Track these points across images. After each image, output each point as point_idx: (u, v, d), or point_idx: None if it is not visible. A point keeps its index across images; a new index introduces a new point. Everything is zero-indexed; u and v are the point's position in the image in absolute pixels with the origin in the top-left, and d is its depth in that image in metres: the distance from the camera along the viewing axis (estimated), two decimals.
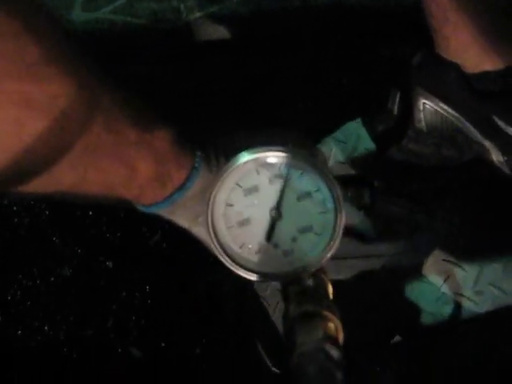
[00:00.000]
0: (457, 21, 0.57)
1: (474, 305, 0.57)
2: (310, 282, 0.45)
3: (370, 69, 0.81)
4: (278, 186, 0.44)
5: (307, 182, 0.44)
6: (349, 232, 0.46)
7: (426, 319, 0.59)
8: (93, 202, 0.42)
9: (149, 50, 0.93)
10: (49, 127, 0.34)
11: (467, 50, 0.59)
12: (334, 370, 0.38)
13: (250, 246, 0.45)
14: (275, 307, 0.67)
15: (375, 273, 0.52)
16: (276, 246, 0.45)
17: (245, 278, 0.46)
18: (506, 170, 0.59)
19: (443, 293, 0.58)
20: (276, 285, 0.68)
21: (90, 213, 0.90)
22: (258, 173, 0.44)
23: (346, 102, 0.69)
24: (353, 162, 0.64)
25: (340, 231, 0.44)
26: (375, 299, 0.60)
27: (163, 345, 0.84)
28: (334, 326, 0.41)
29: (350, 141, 0.67)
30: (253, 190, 0.45)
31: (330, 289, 0.46)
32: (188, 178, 0.44)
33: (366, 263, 0.50)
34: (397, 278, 0.60)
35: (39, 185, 0.38)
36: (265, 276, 0.46)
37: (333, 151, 0.68)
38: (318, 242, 0.45)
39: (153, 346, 0.84)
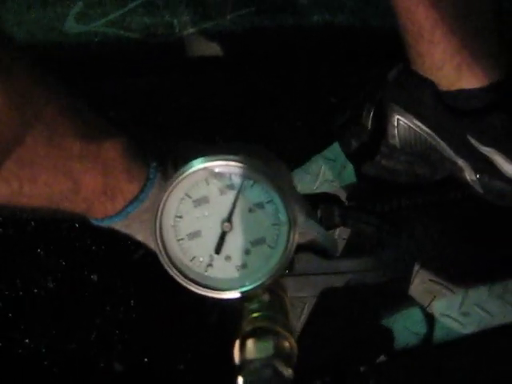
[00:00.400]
0: (431, 38, 0.57)
1: (460, 326, 0.57)
2: (265, 298, 0.44)
3: (360, 88, 0.82)
4: (229, 196, 0.43)
5: (259, 192, 0.43)
6: (311, 248, 0.45)
7: (411, 339, 0.59)
8: (38, 215, 0.41)
9: (141, 64, 0.94)
10: None
11: (442, 67, 0.59)
12: None
13: (201, 260, 0.44)
14: None
15: (353, 290, 0.52)
16: (228, 259, 0.44)
17: (196, 293, 0.45)
18: (479, 188, 0.59)
19: (429, 314, 0.58)
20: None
21: (76, 225, 0.89)
22: (208, 183, 0.43)
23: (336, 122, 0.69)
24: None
25: (294, 243, 0.43)
26: (361, 318, 0.60)
27: (146, 360, 0.83)
28: (287, 343, 0.40)
29: (339, 159, 0.67)
30: (203, 201, 0.43)
31: (288, 305, 0.45)
32: (141, 190, 0.42)
33: (329, 280, 0.48)
34: (383, 298, 0.60)
35: None
36: (217, 291, 0.44)
37: (322, 169, 0.68)
38: (272, 255, 0.43)
39: (136, 360, 0.83)
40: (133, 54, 0.93)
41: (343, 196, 0.65)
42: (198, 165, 0.42)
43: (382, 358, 0.58)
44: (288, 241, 0.43)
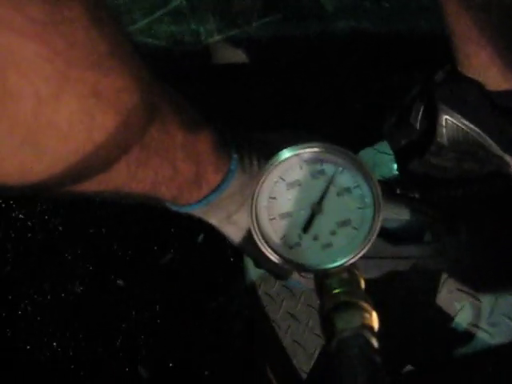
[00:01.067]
0: (479, 40, 0.58)
1: (489, 336, 0.56)
2: (345, 275, 0.46)
3: (385, 94, 0.82)
4: (319, 181, 0.46)
5: (347, 178, 0.46)
6: (380, 232, 0.47)
7: (438, 349, 0.58)
8: (132, 202, 0.42)
9: (167, 71, 0.94)
10: (115, 121, 0.35)
11: (489, 68, 0.59)
12: (373, 355, 0.39)
13: (290, 238, 0.47)
14: (286, 331, 0.67)
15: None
16: (315, 238, 0.47)
17: (286, 268, 0.47)
18: None
19: (457, 323, 0.58)
20: (286, 308, 0.68)
21: (103, 230, 0.91)
22: (301, 168, 0.46)
23: (363, 128, 0.69)
24: None
25: (378, 226, 0.45)
26: (387, 328, 0.59)
27: (171, 365, 0.84)
28: (370, 315, 0.42)
29: (391, 153, 0.68)
30: (295, 184, 0.46)
31: (363, 283, 0.47)
32: (224, 180, 0.45)
33: (394, 264, 0.51)
34: (410, 308, 0.60)
35: (94, 183, 0.38)
36: (303, 267, 0.47)
37: (374, 161, 0.68)
38: (356, 237, 0.46)
39: (161, 365, 0.84)
40: (160, 61, 0.95)
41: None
42: (293, 151, 0.45)
43: (409, 367, 0.58)
44: (372, 223, 0.45)
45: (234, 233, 0.49)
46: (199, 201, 0.45)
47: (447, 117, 0.62)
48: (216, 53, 0.95)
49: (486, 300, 0.57)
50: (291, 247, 0.47)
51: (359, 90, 0.89)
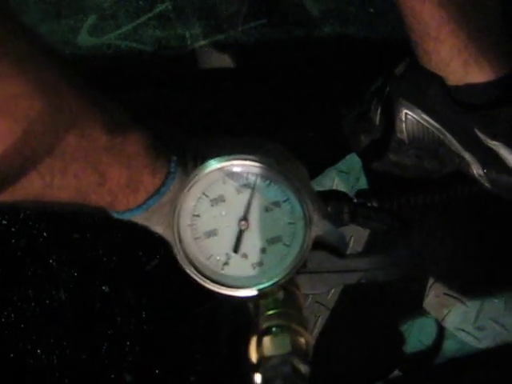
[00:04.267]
0: (438, 36, 0.57)
1: (475, 340, 0.56)
2: (280, 295, 0.44)
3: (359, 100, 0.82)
4: (245, 195, 0.43)
5: (275, 191, 0.44)
6: (324, 246, 0.46)
7: (425, 353, 0.59)
8: (64, 210, 0.41)
9: (153, 76, 0.94)
10: (10, 129, 0.33)
11: (449, 64, 0.59)
12: None
13: (218, 258, 0.44)
14: None
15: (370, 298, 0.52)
16: (245, 257, 0.44)
17: (213, 291, 0.45)
18: (486, 183, 0.59)
19: (444, 327, 0.58)
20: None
21: (88, 235, 0.90)
22: (225, 182, 0.43)
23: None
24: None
25: (310, 242, 0.44)
26: (373, 332, 0.59)
27: (157, 371, 0.83)
28: (303, 340, 0.41)
29: (352, 172, 0.67)
30: (219, 200, 0.44)
31: (302, 302, 0.45)
32: (163, 184, 0.43)
33: (342, 278, 0.49)
34: (398, 311, 0.60)
35: (5, 193, 0.37)
36: (234, 289, 0.45)
37: (335, 182, 0.68)
38: (288, 253, 0.44)
39: (147, 372, 0.83)
40: (145, 66, 0.94)
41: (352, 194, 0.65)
42: (214, 165, 0.42)
43: (396, 372, 0.58)
44: (304, 239, 0.44)
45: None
46: (138, 206, 0.43)
47: (407, 111, 0.61)
48: (202, 57, 0.95)
49: (473, 304, 0.58)
50: (220, 268, 0.45)
51: (345, 94, 0.90)
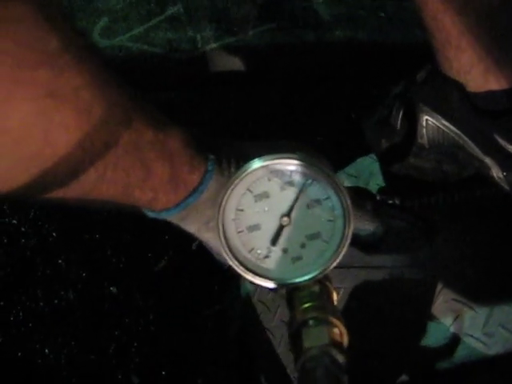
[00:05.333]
0: (459, 44, 0.58)
1: (484, 346, 0.56)
2: (315, 289, 0.45)
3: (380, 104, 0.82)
4: (288, 192, 0.45)
5: (317, 189, 0.45)
6: (353, 242, 0.47)
7: (433, 358, 0.58)
8: (107, 207, 0.41)
9: (164, 78, 0.95)
10: (76, 120, 0.34)
11: (469, 71, 0.60)
12: (339, 374, 0.38)
13: (259, 251, 0.46)
14: (280, 340, 0.67)
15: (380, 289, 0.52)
16: (285, 251, 0.46)
17: (253, 283, 0.46)
18: (506, 185, 0.60)
19: (452, 333, 0.58)
20: (280, 316, 0.68)
21: (97, 236, 0.90)
22: (269, 179, 0.45)
23: (359, 137, 0.69)
24: None
25: (348, 239, 0.45)
26: (382, 337, 0.59)
27: (164, 373, 0.83)
28: (339, 331, 0.42)
29: (361, 176, 0.67)
30: (263, 196, 0.45)
31: (335, 296, 0.47)
32: (201, 181, 0.44)
33: (368, 274, 0.51)
34: (406, 317, 0.60)
35: (61, 188, 0.38)
36: (273, 281, 0.46)
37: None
38: (326, 249, 0.45)
39: (154, 374, 0.84)
40: (156, 68, 0.95)
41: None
42: (261, 162, 0.44)
43: (404, 377, 0.58)
44: (342, 237, 0.45)
45: (213, 239, 0.47)
46: (177, 204, 0.44)
47: (428, 117, 0.62)
48: (212, 60, 0.95)
49: (482, 310, 0.57)
50: (260, 261, 0.46)
51: (355, 98, 0.90)
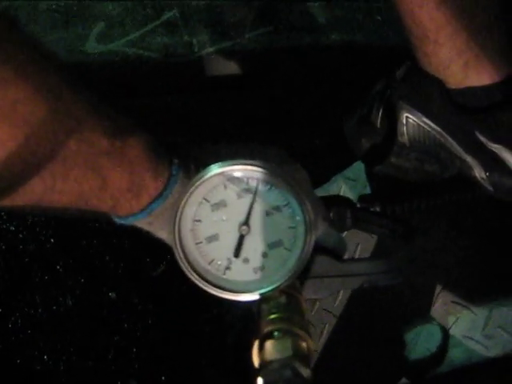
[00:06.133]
0: (437, 39, 0.57)
1: (484, 348, 0.56)
2: (282, 299, 0.44)
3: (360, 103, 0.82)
4: (245, 200, 0.44)
5: (276, 196, 0.44)
6: (326, 251, 0.46)
7: (432, 361, 0.58)
8: (66, 213, 0.41)
9: (160, 83, 0.94)
10: (11, 134, 0.34)
11: (448, 66, 0.59)
12: None
13: (219, 263, 0.45)
14: None
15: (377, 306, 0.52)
16: (246, 261, 0.45)
17: (215, 296, 0.45)
18: (489, 186, 0.59)
19: (452, 335, 0.58)
20: None
21: (95, 242, 0.90)
22: (226, 187, 0.44)
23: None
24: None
25: (310, 246, 0.44)
26: (382, 340, 0.59)
27: (163, 378, 0.83)
28: (305, 344, 0.41)
29: (359, 179, 0.67)
30: (220, 205, 0.44)
31: (304, 307, 0.45)
32: (165, 187, 0.43)
33: (344, 282, 0.49)
34: (405, 319, 0.60)
35: (6, 197, 0.37)
36: (236, 293, 0.45)
37: (342, 189, 0.68)
38: (289, 258, 0.44)
39: (153, 379, 0.83)
40: (153, 73, 0.94)
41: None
42: (215, 170, 0.43)
43: (404, 380, 0.58)
44: (305, 243, 0.44)
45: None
46: (141, 210, 0.43)
47: (408, 115, 0.61)
48: (209, 64, 0.95)
49: (481, 312, 0.57)
50: (221, 272, 0.45)
51: (352, 102, 0.90)
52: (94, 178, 0.40)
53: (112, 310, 0.86)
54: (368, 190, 0.67)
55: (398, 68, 0.64)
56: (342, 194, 0.68)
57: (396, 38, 0.96)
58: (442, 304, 0.59)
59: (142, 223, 0.44)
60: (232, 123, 0.89)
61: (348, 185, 0.68)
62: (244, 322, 0.74)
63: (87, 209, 0.42)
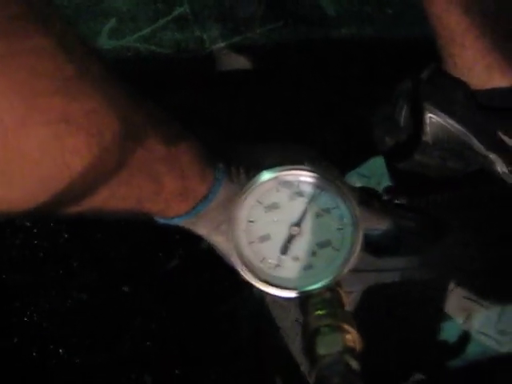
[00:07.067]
0: (463, 42, 0.59)
1: (497, 344, 0.56)
2: (327, 295, 0.46)
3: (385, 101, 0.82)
4: (297, 202, 0.46)
5: (326, 199, 0.46)
6: (365, 245, 0.47)
7: (447, 356, 0.59)
8: (116, 217, 0.42)
9: (172, 78, 0.95)
10: (87, 143, 0.35)
11: (473, 68, 0.60)
12: (355, 381, 0.39)
13: (270, 261, 0.47)
14: (294, 339, 0.67)
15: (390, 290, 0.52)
16: (296, 260, 0.47)
17: (266, 293, 0.47)
18: (510, 180, 0.60)
19: (465, 331, 0.58)
20: (295, 315, 0.68)
21: (108, 237, 0.91)
22: (278, 190, 0.46)
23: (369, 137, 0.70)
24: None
25: (358, 246, 0.46)
26: (396, 335, 0.60)
27: (177, 372, 0.84)
28: (351, 337, 0.43)
29: (374, 176, 0.68)
30: (273, 207, 0.46)
31: (346, 300, 0.47)
32: (210, 191, 0.45)
33: (379, 277, 0.52)
34: (420, 315, 0.60)
35: (74, 205, 0.38)
36: (285, 290, 0.47)
37: (356, 186, 0.68)
38: (337, 257, 0.46)
39: (167, 373, 0.84)
40: (164, 68, 0.95)
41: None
42: (270, 174, 0.46)
43: (418, 375, 0.58)
44: (352, 244, 0.46)
45: (223, 243, 0.48)
46: (187, 212, 0.45)
47: (431, 115, 0.63)
48: (220, 60, 0.95)
49: (494, 308, 0.58)
50: (272, 270, 0.47)
51: (363, 96, 0.90)
52: (153, 183, 0.41)
53: (126, 304, 0.87)
54: (381, 187, 0.67)
55: (424, 69, 0.65)
56: None
57: (406, 31, 0.96)
58: (456, 300, 0.59)
59: (185, 223, 0.47)
60: (243, 119, 0.90)
61: (362, 181, 0.69)
62: (259, 316, 0.74)
63: (138, 213, 0.43)
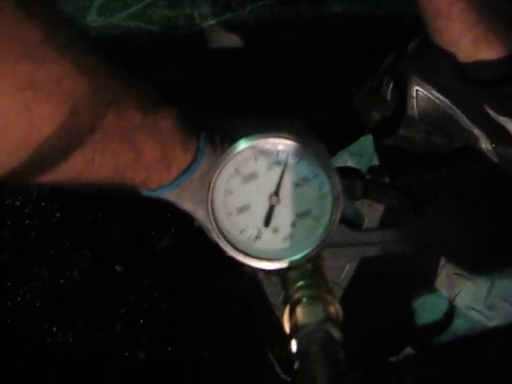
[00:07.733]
0: (449, 15, 0.58)
1: (486, 319, 0.57)
2: (308, 267, 0.46)
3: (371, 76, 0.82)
4: (276, 172, 0.45)
5: (305, 168, 0.45)
6: (343, 221, 0.47)
7: (436, 331, 0.60)
8: (100, 188, 0.42)
9: (162, 56, 0.94)
10: (57, 110, 0.35)
11: (460, 41, 0.60)
12: (335, 350, 0.39)
13: (250, 232, 0.46)
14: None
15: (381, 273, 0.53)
16: (275, 231, 0.46)
17: (245, 264, 0.47)
18: (494, 158, 0.60)
19: (455, 306, 0.59)
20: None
21: (100, 216, 0.91)
22: (256, 160, 0.45)
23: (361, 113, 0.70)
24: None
25: (338, 216, 0.45)
26: (387, 311, 0.60)
27: (170, 349, 0.85)
28: (333, 308, 0.42)
29: (365, 154, 0.68)
30: (251, 177, 0.46)
31: (327, 274, 0.47)
32: (194, 160, 0.44)
33: (360, 251, 0.51)
34: (410, 290, 0.61)
35: (50, 173, 0.38)
36: (265, 261, 0.46)
37: (348, 164, 0.69)
38: (317, 227, 0.46)
39: (160, 349, 0.85)
40: (154, 46, 0.94)
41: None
42: (247, 143, 0.44)
43: (409, 349, 0.59)
44: (332, 213, 0.45)
45: (206, 216, 0.47)
46: (171, 182, 0.44)
47: (418, 88, 0.62)
48: (210, 37, 0.94)
49: (483, 283, 0.59)
50: (252, 241, 0.47)
51: (355, 74, 0.89)
52: (130, 150, 0.41)
53: (118, 282, 0.88)
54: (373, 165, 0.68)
55: (409, 42, 0.64)
56: None
57: (398, 9, 0.95)
58: (446, 276, 0.60)
59: (169, 195, 0.46)
60: (233, 96, 0.89)
61: (354, 160, 0.69)
62: (251, 292, 0.75)
63: (121, 183, 0.43)
